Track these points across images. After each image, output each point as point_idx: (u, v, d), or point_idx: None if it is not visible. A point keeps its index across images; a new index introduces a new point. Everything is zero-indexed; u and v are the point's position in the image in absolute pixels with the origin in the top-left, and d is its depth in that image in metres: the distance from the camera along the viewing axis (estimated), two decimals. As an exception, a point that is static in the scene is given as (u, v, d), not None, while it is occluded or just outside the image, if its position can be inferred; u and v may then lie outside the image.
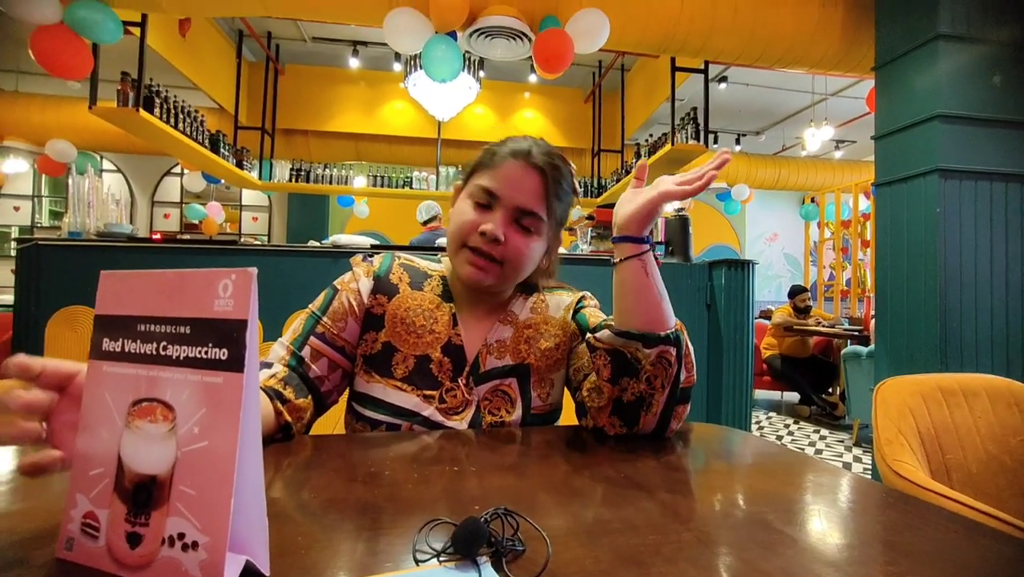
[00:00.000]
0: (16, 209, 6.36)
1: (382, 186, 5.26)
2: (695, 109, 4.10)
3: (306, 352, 0.70)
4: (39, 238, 2.47)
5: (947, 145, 2.25)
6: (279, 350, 0.71)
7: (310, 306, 0.75)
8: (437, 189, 5.11)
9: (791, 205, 8.18)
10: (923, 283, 2.31)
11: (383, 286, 0.76)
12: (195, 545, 0.30)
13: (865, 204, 5.43)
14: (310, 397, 0.69)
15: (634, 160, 4.82)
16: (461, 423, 0.71)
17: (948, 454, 0.95)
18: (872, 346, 3.22)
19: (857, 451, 3.32)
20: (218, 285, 0.31)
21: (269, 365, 0.69)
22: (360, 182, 5.23)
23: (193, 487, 0.31)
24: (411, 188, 5.23)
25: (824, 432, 3.81)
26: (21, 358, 0.35)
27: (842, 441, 3.56)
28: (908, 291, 2.38)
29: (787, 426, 3.99)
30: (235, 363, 0.30)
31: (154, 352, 0.33)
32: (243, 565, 0.30)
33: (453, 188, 0.78)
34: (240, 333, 0.30)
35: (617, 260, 0.64)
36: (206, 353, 0.31)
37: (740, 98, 5.67)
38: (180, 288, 0.33)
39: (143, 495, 0.32)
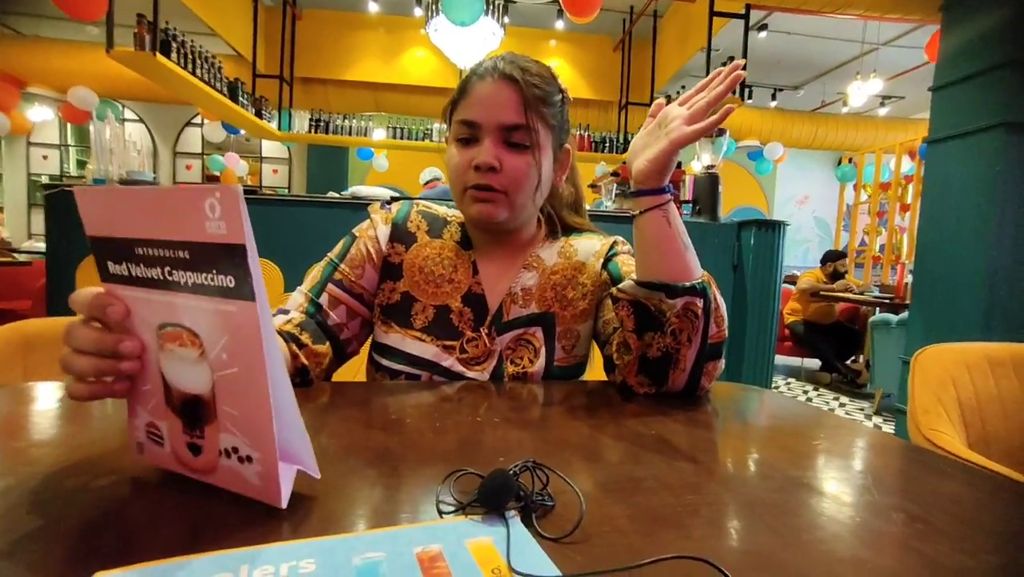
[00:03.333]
0: (44, 158, 6.46)
1: (402, 138, 5.16)
2: (731, 59, 3.85)
3: (324, 299, 0.69)
4: (66, 185, 2.49)
5: (1017, 96, 2.06)
6: (297, 297, 0.70)
7: (329, 254, 0.74)
8: (457, 142, 4.99)
9: (825, 166, 7.80)
10: (971, 248, 2.18)
11: (400, 234, 0.75)
12: (249, 459, 0.31)
13: (908, 165, 5.14)
14: (328, 344, 0.68)
15: (663, 114, 4.61)
16: (483, 373, 0.69)
17: (990, 425, 0.91)
18: (904, 314, 3.11)
19: (877, 420, 3.28)
20: (204, 205, 0.28)
21: (286, 312, 0.68)
22: (379, 134, 5.14)
23: (235, 408, 0.31)
24: (431, 140, 5.12)
25: (844, 399, 3.77)
26: (90, 295, 0.34)
27: (862, 409, 3.51)
28: (952, 256, 2.26)
29: (806, 392, 3.95)
30: (245, 292, 0.29)
31: (160, 277, 0.32)
32: (295, 474, 0.32)
33: (445, 143, 0.75)
34: (241, 259, 0.28)
35: (637, 213, 0.61)
36: (212, 280, 0.30)
37: (780, 48, 5.31)
38: (164, 207, 0.31)
39: (191, 412, 0.33)
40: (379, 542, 0.28)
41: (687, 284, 0.58)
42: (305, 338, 0.65)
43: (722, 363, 0.64)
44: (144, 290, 0.33)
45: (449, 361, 0.69)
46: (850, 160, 6.27)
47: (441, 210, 0.79)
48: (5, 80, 4.78)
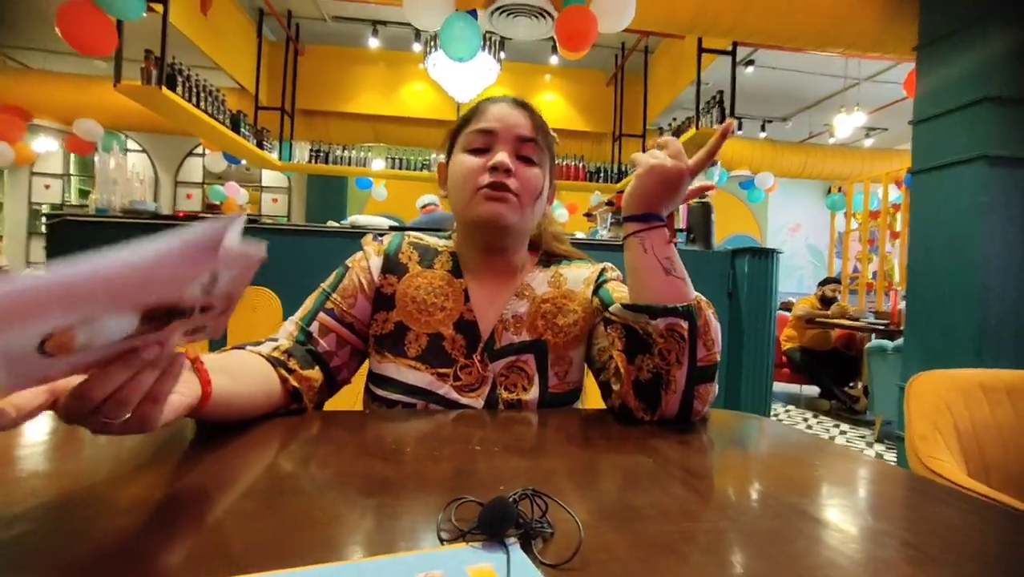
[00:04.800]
0: (47, 187, 6.52)
1: (400, 168, 5.25)
2: (721, 93, 3.98)
3: (314, 327, 0.70)
4: (68, 214, 2.52)
5: (996, 130, 2.14)
6: (288, 326, 0.71)
7: (322, 284, 0.75)
8: (455, 172, 5.07)
9: (816, 195, 7.95)
10: (961, 275, 2.21)
11: (392, 265, 0.76)
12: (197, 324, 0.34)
13: (895, 194, 5.24)
14: (317, 369, 0.68)
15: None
16: (477, 400, 0.69)
17: (988, 453, 0.91)
18: (899, 341, 3.12)
19: (879, 447, 3.25)
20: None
21: (275, 340, 0.68)
22: (379, 164, 5.23)
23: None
24: (429, 171, 5.21)
25: (844, 427, 3.74)
26: None
27: (863, 437, 3.48)
28: (943, 284, 2.29)
29: (806, 420, 3.93)
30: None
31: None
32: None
33: (437, 168, 0.79)
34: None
35: (622, 239, 0.65)
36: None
37: (767, 82, 5.49)
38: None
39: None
40: (380, 570, 0.28)
41: (669, 305, 0.60)
42: (293, 364, 0.64)
43: (715, 388, 0.64)
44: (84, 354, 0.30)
45: (444, 389, 0.69)
46: (839, 189, 6.40)
47: (432, 241, 0.80)
48: (11, 112, 4.86)
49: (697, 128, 3.92)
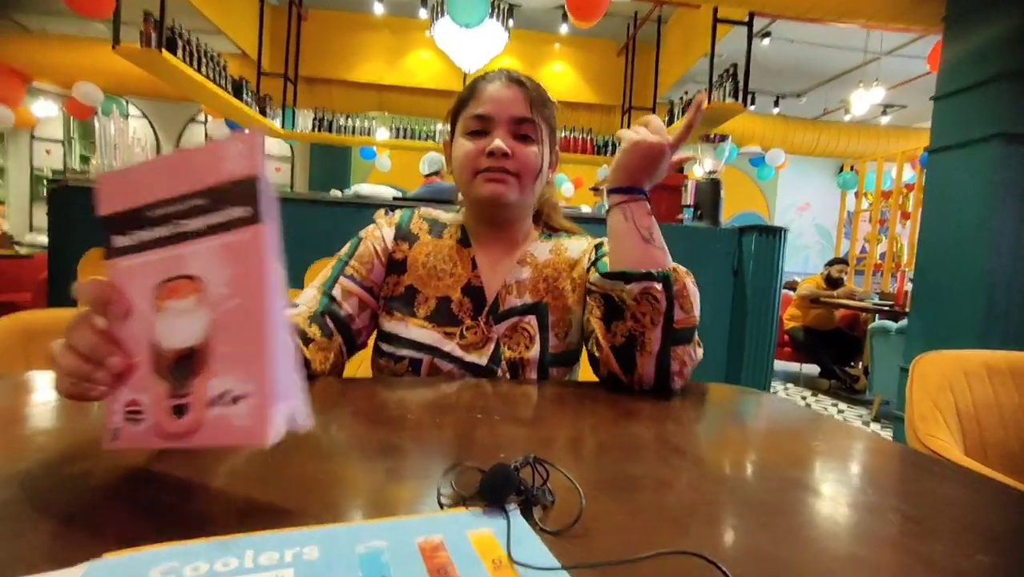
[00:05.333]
0: (48, 152, 6.47)
1: (405, 138, 5.17)
2: (735, 66, 3.87)
3: (336, 292, 0.73)
4: (69, 179, 2.50)
5: (1015, 107, 2.07)
6: (310, 292, 0.73)
7: (337, 254, 0.78)
8: (460, 144, 4.99)
9: (827, 173, 7.81)
10: (970, 256, 2.19)
11: (404, 234, 0.80)
12: (241, 397, 0.31)
13: (909, 174, 5.15)
14: (336, 337, 0.70)
15: (666, 120, 4.62)
16: (481, 358, 0.72)
17: (987, 432, 0.91)
18: (903, 322, 3.12)
19: (876, 426, 3.28)
20: (227, 153, 0.31)
21: (296, 306, 0.70)
22: (383, 134, 5.15)
23: (230, 344, 0.31)
24: (434, 141, 5.12)
25: (842, 406, 3.77)
26: (92, 285, 0.34)
27: (860, 416, 3.51)
28: (952, 264, 2.27)
29: (804, 398, 3.96)
30: (256, 216, 0.30)
31: (171, 233, 0.33)
32: (290, 411, 0.31)
33: (443, 145, 0.81)
34: (254, 188, 0.30)
35: (605, 212, 0.68)
36: (227, 215, 0.31)
37: (783, 56, 5.32)
38: (187, 165, 0.32)
39: (183, 367, 0.33)
40: (380, 531, 0.28)
41: (642, 271, 0.63)
42: (313, 332, 0.67)
43: (696, 352, 0.65)
44: (148, 253, 0.34)
45: (450, 346, 0.72)
46: (851, 168, 6.29)
47: (441, 215, 0.84)
48: (10, 75, 4.79)
49: (709, 101, 3.82)
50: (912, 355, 1.06)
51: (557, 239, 0.82)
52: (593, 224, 0.88)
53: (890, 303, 3.79)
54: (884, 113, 6.38)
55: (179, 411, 0.33)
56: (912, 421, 0.89)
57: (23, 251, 4.69)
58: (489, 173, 0.71)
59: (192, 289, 0.32)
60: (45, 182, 5.95)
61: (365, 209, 2.45)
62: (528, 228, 0.82)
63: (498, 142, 0.69)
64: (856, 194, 5.95)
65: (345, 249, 0.78)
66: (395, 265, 0.78)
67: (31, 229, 6.18)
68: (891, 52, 5.10)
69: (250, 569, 0.24)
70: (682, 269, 0.65)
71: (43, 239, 4.31)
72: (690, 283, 0.65)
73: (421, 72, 5.33)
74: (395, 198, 2.55)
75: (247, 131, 0.32)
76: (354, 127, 5.12)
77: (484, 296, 0.75)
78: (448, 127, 0.79)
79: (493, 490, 0.32)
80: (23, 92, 5.03)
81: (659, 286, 0.62)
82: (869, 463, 0.50)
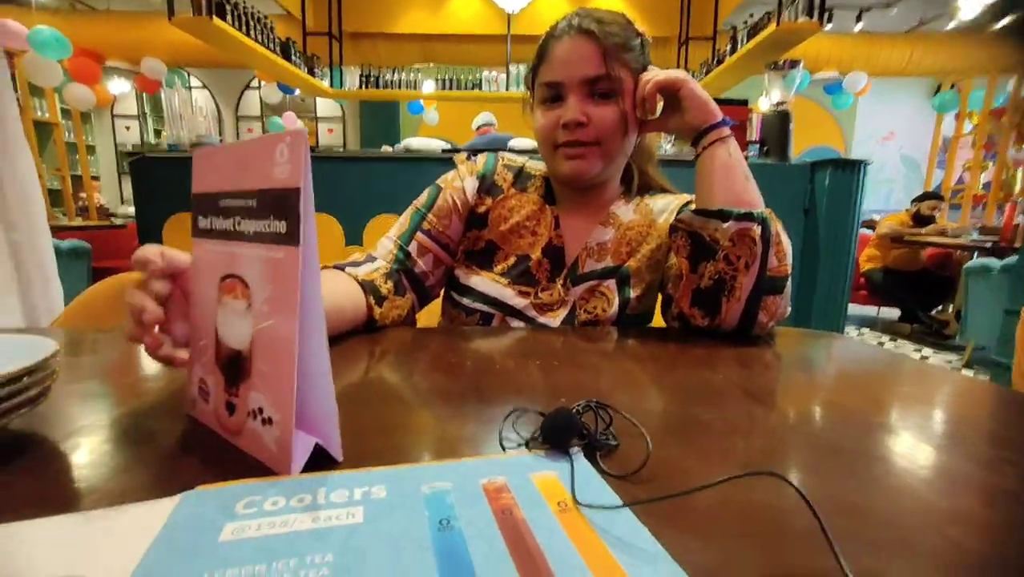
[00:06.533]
0: (127, 129, 6.92)
1: (451, 88, 5.06)
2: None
3: (413, 247, 0.73)
4: (145, 151, 2.67)
5: None
6: (387, 244, 0.73)
7: (414, 203, 0.77)
8: (507, 89, 4.83)
9: (917, 96, 6.90)
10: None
11: (487, 186, 0.77)
12: (270, 421, 0.30)
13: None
14: (409, 295, 0.70)
15: (728, 48, 4.21)
16: (554, 320, 0.71)
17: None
18: (1010, 259, 2.79)
19: (967, 373, 3.04)
20: (275, 151, 0.29)
21: (373, 259, 0.70)
22: (429, 86, 5.07)
23: (266, 364, 0.30)
24: (480, 90, 4.99)
25: (927, 351, 3.49)
26: (145, 251, 0.36)
27: (949, 362, 3.25)
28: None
29: (881, 343, 3.69)
30: (292, 236, 0.28)
31: (232, 228, 0.33)
32: (313, 447, 0.30)
33: (527, 106, 0.75)
34: (294, 204, 0.28)
35: (700, 150, 0.64)
36: (268, 227, 0.30)
37: (870, -41, 4.63)
38: (247, 158, 0.31)
39: (233, 368, 0.33)
40: (445, 473, 0.29)
41: (743, 211, 0.59)
42: (387, 288, 0.67)
43: (786, 303, 0.62)
44: (218, 242, 0.34)
45: (523, 304, 0.71)
46: (953, 86, 5.49)
47: (527, 163, 0.80)
48: (86, 55, 5.07)
49: (778, 24, 3.43)
50: (1021, 296, 0.94)
51: (641, 197, 0.77)
52: (683, 167, 0.83)
53: (994, 238, 3.38)
54: (999, 17, 5.46)
55: (230, 408, 0.33)
56: (1021, 366, 0.80)
57: (118, 222, 5.14)
58: (567, 148, 0.67)
59: (243, 293, 0.32)
60: (126, 156, 6.40)
61: (417, 163, 2.46)
62: (615, 190, 0.77)
63: (570, 113, 0.65)
64: (957, 116, 5.22)
65: (423, 199, 0.76)
66: (476, 219, 0.75)
67: (122, 201, 6.73)
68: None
69: (323, 505, 0.25)
70: (770, 211, 0.61)
71: (132, 210, 4.69)
72: (781, 230, 0.62)
73: (464, 17, 5.13)
74: (444, 150, 2.53)
75: (297, 123, 0.30)
76: (400, 81, 5.06)
77: (564, 257, 0.73)
78: (528, 92, 0.74)
79: (555, 433, 0.31)
80: (99, 72, 5.34)
81: (758, 228, 0.59)
82: (969, 410, 0.45)
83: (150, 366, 0.49)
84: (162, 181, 2.57)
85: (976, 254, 3.34)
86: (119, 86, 6.09)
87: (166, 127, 2.93)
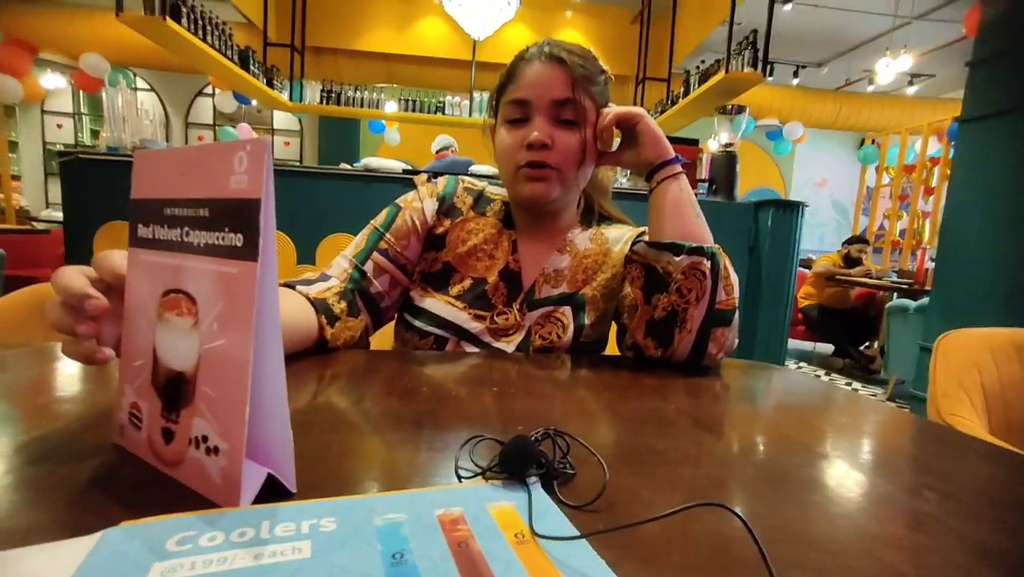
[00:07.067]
0: (59, 127, 6.47)
1: (414, 111, 5.08)
2: (754, 32, 3.71)
3: (369, 267, 0.71)
4: (80, 152, 2.49)
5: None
6: (341, 263, 0.71)
7: (372, 222, 0.75)
8: (470, 115, 4.90)
9: (845, 147, 7.58)
10: (999, 232, 2.11)
11: (447, 208, 0.77)
12: (216, 450, 0.27)
13: (935, 147, 4.98)
14: (362, 316, 0.68)
15: (681, 91, 4.48)
16: (509, 345, 0.70)
17: (1013, 411, 0.89)
18: (923, 300, 3.05)
19: (891, 405, 3.26)
20: (233, 159, 0.27)
21: (327, 278, 0.68)
22: (391, 106, 5.06)
23: (213, 388, 0.28)
24: (443, 114, 5.03)
25: (856, 385, 3.74)
26: (69, 279, 0.33)
27: (875, 395, 3.49)
28: (978, 241, 2.19)
29: (818, 376, 3.93)
30: (249, 251, 0.26)
31: (178, 239, 0.30)
32: (264, 478, 0.27)
33: (487, 130, 0.77)
34: (253, 215, 0.26)
35: (654, 185, 0.67)
36: (222, 239, 0.28)
37: (806, 22, 5.11)
38: (199, 165, 0.29)
39: (173, 391, 0.30)
40: (399, 503, 0.27)
41: (694, 245, 0.62)
42: (340, 309, 0.65)
43: (734, 335, 0.65)
44: (160, 253, 0.31)
45: (478, 329, 0.70)
46: (873, 141, 6.08)
47: (487, 188, 0.80)
48: (17, 45, 4.75)
49: (727, 71, 3.69)
50: (933, 333, 1.03)
51: (598, 227, 0.79)
52: (637, 200, 0.85)
53: (909, 281, 3.71)
54: (911, 83, 6.13)
55: (167, 435, 0.30)
56: (935, 398, 0.87)
57: (40, 226, 4.74)
58: (529, 169, 0.67)
59: (188, 310, 0.29)
60: (57, 156, 5.97)
61: (376, 182, 2.42)
62: (572, 216, 0.78)
63: (536, 133, 0.65)
64: (877, 168, 5.77)
65: (381, 218, 0.75)
66: (434, 241, 0.75)
67: (47, 205, 6.23)
68: (923, 15, 4.86)
69: (266, 539, 0.24)
70: (719, 247, 0.64)
71: (59, 215, 4.34)
72: (729, 265, 0.64)
73: (430, 41, 5.21)
74: (404, 171, 2.51)
75: (252, 135, 0.29)
76: (363, 99, 5.03)
77: (521, 282, 0.73)
78: (489, 114, 0.75)
79: (513, 462, 0.31)
80: (30, 64, 4.99)
81: (708, 263, 0.61)
82: (895, 439, 0.48)
83: (69, 387, 0.45)
84: (97, 185, 2.40)
85: (896, 295, 3.65)
86: (53, 81, 5.73)
87: (106, 127, 2.76)
